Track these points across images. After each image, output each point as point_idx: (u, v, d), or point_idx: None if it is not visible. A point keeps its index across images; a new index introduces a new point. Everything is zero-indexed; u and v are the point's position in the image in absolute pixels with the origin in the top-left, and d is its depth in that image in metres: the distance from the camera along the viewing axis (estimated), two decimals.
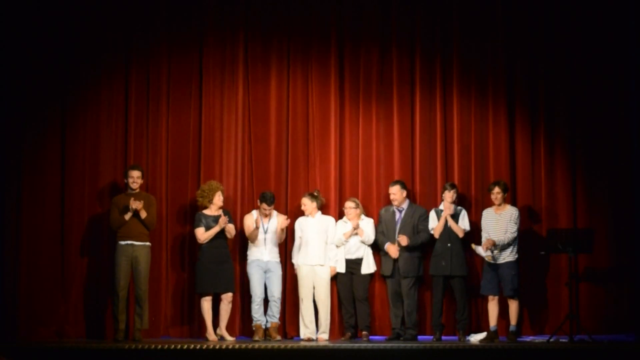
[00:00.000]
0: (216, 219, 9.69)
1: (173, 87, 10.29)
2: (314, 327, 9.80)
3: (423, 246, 9.85)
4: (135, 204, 9.49)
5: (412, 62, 10.37)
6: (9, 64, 10.05)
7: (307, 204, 9.93)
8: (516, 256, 9.62)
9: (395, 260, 9.78)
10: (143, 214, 9.56)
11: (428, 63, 10.36)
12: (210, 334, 9.66)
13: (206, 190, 9.76)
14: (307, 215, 9.93)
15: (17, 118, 10.03)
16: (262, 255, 9.74)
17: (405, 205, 9.92)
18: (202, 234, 9.68)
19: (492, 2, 10.39)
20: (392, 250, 9.79)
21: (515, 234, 9.60)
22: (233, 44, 10.36)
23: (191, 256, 10.04)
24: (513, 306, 9.60)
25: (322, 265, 9.82)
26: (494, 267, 9.61)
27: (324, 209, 10.08)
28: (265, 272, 9.75)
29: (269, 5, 10.41)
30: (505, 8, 10.36)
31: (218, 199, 9.76)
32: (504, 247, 9.55)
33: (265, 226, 9.78)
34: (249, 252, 9.84)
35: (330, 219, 10.00)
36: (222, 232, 9.70)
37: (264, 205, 9.76)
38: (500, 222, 9.64)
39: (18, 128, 10.02)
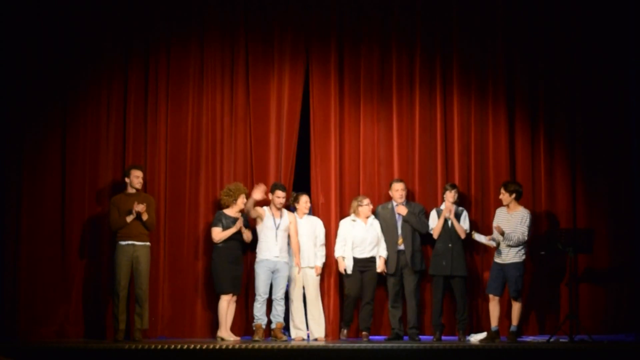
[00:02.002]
0: (235, 221, 9.71)
1: (173, 86, 10.28)
2: (305, 327, 9.81)
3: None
4: (140, 207, 9.48)
5: (412, 62, 10.37)
6: (10, 64, 10.05)
7: (307, 201, 9.95)
8: (523, 257, 9.60)
9: (398, 258, 9.79)
10: (145, 216, 9.55)
11: (428, 63, 10.36)
12: (223, 332, 9.61)
13: (233, 190, 9.77)
14: (296, 214, 9.96)
15: (18, 118, 10.03)
16: (272, 254, 9.68)
17: (404, 203, 9.93)
18: (218, 234, 9.68)
19: (492, 2, 10.39)
20: (402, 210, 9.80)
21: (525, 237, 9.57)
22: (233, 44, 10.36)
23: (189, 255, 10.04)
24: (516, 307, 9.58)
25: (311, 268, 9.83)
26: (500, 266, 9.62)
27: (322, 209, 10.10)
28: (272, 272, 9.70)
29: (269, 5, 10.40)
30: (505, 8, 10.37)
31: (241, 201, 9.76)
32: (510, 245, 9.55)
33: (277, 222, 9.76)
34: (258, 251, 9.77)
35: (318, 221, 9.99)
36: (239, 234, 9.71)
37: (278, 192, 9.73)
38: (511, 222, 9.61)
39: (18, 128, 10.02)
